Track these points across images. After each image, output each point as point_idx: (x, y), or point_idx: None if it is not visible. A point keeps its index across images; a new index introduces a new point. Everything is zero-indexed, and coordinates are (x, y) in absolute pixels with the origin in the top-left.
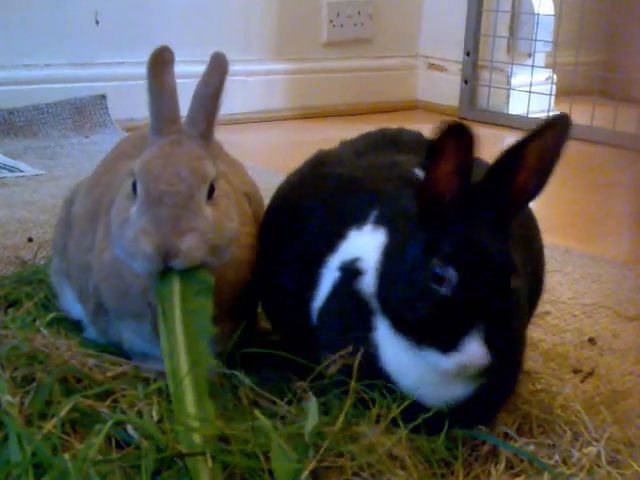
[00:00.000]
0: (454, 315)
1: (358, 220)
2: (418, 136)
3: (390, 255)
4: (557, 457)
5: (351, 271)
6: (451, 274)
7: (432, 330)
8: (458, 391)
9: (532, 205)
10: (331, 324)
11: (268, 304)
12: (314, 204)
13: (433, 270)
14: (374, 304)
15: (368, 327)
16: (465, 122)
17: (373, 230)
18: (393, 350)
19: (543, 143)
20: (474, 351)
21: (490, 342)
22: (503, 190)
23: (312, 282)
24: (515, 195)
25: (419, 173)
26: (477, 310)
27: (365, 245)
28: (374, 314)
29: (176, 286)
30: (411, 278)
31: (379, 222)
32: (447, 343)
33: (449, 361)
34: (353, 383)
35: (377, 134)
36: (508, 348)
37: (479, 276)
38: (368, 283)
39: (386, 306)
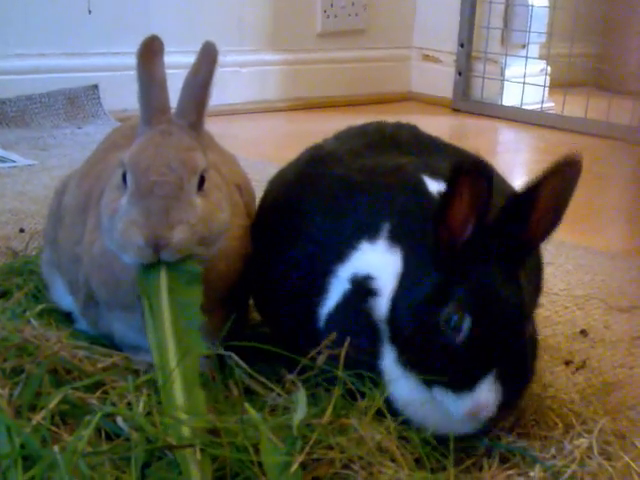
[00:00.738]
0: (467, 362)
1: (369, 232)
2: (415, 131)
3: (405, 287)
4: (549, 449)
5: (364, 288)
6: (466, 324)
7: (443, 373)
8: (467, 426)
9: None
10: (338, 339)
11: (261, 299)
12: (315, 206)
13: (448, 318)
14: (384, 330)
15: (375, 354)
16: (481, 160)
17: (388, 249)
18: (399, 381)
19: (555, 183)
20: (484, 399)
21: (502, 385)
22: (517, 230)
23: (319, 288)
24: (529, 235)
25: (426, 179)
26: (490, 357)
27: (380, 265)
28: (382, 341)
29: (163, 277)
30: (424, 320)
31: (393, 240)
32: (459, 385)
33: (459, 407)
34: (340, 374)
35: (375, 131)
36: (520, 390)
37: (494, 325)
38: (380, 307)
39: (396, 339)
